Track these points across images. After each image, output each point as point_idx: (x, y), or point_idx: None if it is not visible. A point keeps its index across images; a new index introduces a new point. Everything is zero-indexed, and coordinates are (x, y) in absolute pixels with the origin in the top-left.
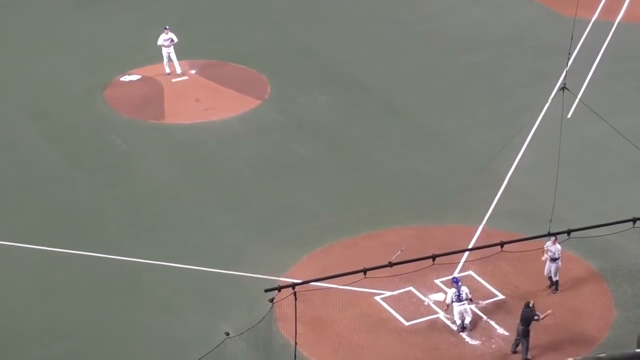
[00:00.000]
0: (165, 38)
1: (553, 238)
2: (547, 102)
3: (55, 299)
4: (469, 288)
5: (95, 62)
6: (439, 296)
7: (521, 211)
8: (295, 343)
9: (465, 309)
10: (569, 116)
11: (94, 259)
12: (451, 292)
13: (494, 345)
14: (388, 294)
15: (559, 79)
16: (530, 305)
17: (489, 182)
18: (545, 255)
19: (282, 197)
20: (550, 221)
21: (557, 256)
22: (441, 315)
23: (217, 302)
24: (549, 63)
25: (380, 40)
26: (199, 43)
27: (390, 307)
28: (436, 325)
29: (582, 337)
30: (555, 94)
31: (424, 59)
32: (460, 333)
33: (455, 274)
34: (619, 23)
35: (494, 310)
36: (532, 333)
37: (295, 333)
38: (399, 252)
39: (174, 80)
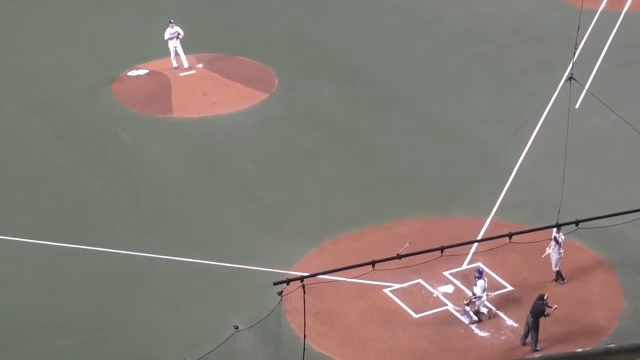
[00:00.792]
0: (172, 32)
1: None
2: (554, 92)
3: (63, 294)
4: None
5: (102, 56)
6: (448, 288)
7: (529, 202)
8: (304, 336)
9: (485, 297)
10: (576, 106)
11: (101, 254)
12: (481, 283)
13: (503, 337)
14: (397, 286)
15: (566, 69)
16: (545, 298)
17: (496, 173)
18: (549, 249)
19: (290, 190)
20: (559, 212)
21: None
22: (450, 307)
23: (226, 295)
24: (556, 53)
25: (386, 31)
26: (206, 36)
27: (399, 299)
28: (445, 317)
29: (591, 327)
30: (563, 84)
31: (431, 49)
32: (470, 325)
33: (464, 266)
34: (626, 12)
35: (503, 301)
36: (541, 324)
37: (304, 326)
38: (407, 244)
39: (181, 74)
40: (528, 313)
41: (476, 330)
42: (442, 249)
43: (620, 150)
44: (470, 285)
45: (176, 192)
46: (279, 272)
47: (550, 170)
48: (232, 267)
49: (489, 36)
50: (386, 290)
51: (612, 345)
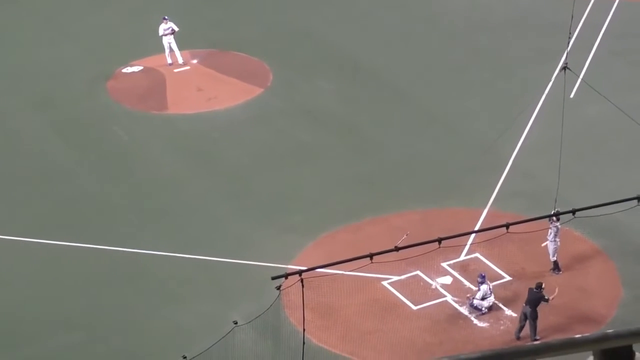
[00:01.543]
0: (165, 28)
1: (555, 218)
2: (549, 82)
3: (62, 291)
4: (476, 271)
5: (96, 53)
6: (446, 279)
7: (526, 192)
8: (304, 330)
9: (492, 301)
10: (571, 96)
11: (99, 251)
12: (484, 288)
13: (502, 327)
14: (395, 278)
15: (560, 58)
16: (543, 286)
17: (493, 164)
18: (548, 238)
19: (287, 184)
20: (555, 201)
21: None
22: (449, 298)
23: (225, 291)
24: (551, 43)
25: (382, 24)
26: (200, 32)
27: (398, 291)
28: (444, 308)
29: (590, 316)
30: (557, 74)
31: (426, 42)
32: (469, 315)
33: (462, 257)
34: (619, 1)
35: (502, 292)
36: (539, 313)
37: (304, 320)
38: (405, 236)
39: (175, 70)
40: (524, 304)
41: (475, 321)
42: (439, 240)
43: (615, 138)
44: (469, 276)
45: (173, 188)
46: (277, 267)
47: (546, 160)
48: (230, 262)
49: (485, 28)
50: (384, 283)
51: (610, 331)
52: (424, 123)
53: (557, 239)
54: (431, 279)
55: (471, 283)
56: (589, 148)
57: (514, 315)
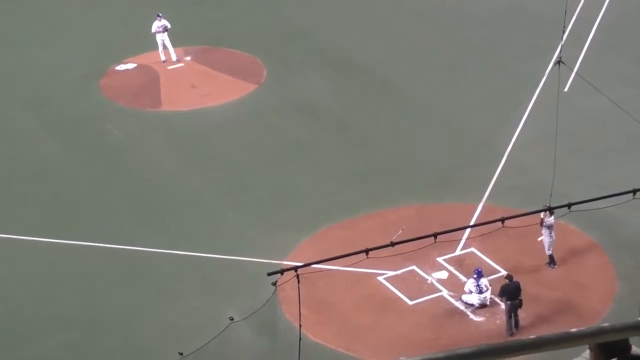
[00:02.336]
0: (159, 25)
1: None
2: (543, 76)
3: (58, 289)
4: (472, 265)
5: (90, 51)
6: (442, 274)
7: (521, 187)
8: (300, 325)
9: (485, 297)
10: (565, 90)
11: (94, 249)
12: (470, 282)
13: (498, 321)
14: (391, 273)
15: (554, 52)
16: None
17: (488, 159)
18: (543, 233)
19: (282, 180)
20: (551, 195)
21: (548, 225)
22: (445, 293)
23: (220, 287)
24: (545, 37)
25: (374, 20)
26: (193, 28)
27: (394, 286)
28: (440, 303)
29: (585, 310)
30: (551, 68)
31: (419, 37)
32: (465, 309)
33: (458, 252)
34: None
35: (498, 286)
36: (535, 307)
37: (300, 315)
38: (400, 232)
39: (169, 67)
40: (507, 301)
41: (471, 316)
42: (435, 235)
43: (610, 132)
44: (465, 271)
45: (168, 185)
46: (273, 263)
47: (541, 154)
48: (225, 258)
49: (478, 22)
50: (380, 278)
51: (606, 325)
52: (418, 118)
53: (553, 234)
54: (427, 274)
55: (467, 278)
56: (583, 142)
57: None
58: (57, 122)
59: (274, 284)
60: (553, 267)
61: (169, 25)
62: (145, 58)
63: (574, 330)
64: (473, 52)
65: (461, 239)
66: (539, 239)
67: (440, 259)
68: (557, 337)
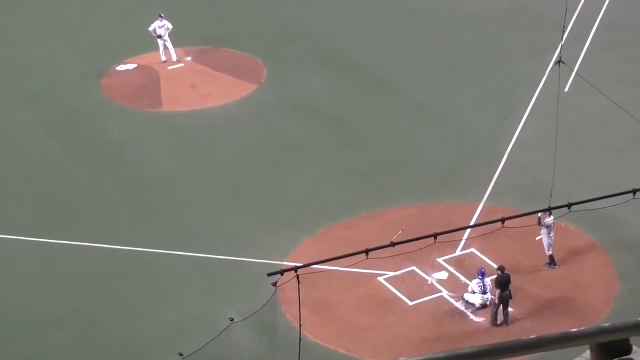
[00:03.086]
0: (160, 25)
1: (549, 213)
2: (543, 76)
3: (58, 289)
4: (472, 266)
5: (90, 51)
6: (442, 275)
7: (521, 186)
8: (300, 326)
9: (488, 298)
10: (566, 90)
11: (95, 249)
12: (475, 282)
13: (498, 322)
14: (391, 274)
15: (554, 52)
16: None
17: (488, 158)
18: (541, 233)
19: (282, 180)
20: (551, 195)
21: (547, 225)
22: (445, 293)
23: (221, 288)
24: (545, 37)
25: (373, 19)
26: (193, 29)
27: (394, 287)
28: (441, 303)
29: (586, 310)
30: (552, 68)
31: (419, 36)
32: (465, 310)
33: (458, 252)
34: None
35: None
36: (536, 307)
37: (300, 316)
38: (401, 232)
39: (170, 68)
40: (500, 293)
41: (472, 316)
42: (435, 235)
43: (610, 132)
44: (465, 272)
45: (168, 185)
46: (273, 263)
47: (542, 154)
48: (225, 259)
49: (477, 21)
50: (381, 279)
51: (607, 325)
52: (419, 117)
53: (552, 234)
54: (427, 275)
55: (467, 278)
56: (584, 142)
57: (510, 309)
58: (58, 122)
59: (274, 284)
60: (553, 268)
61: (170, 26)
62: (145, 58)
63: (574, 330)
64: (473, 51)
65: (461, 240)
66: (538, 238)
67: (440, 260)
68: (558, 337)
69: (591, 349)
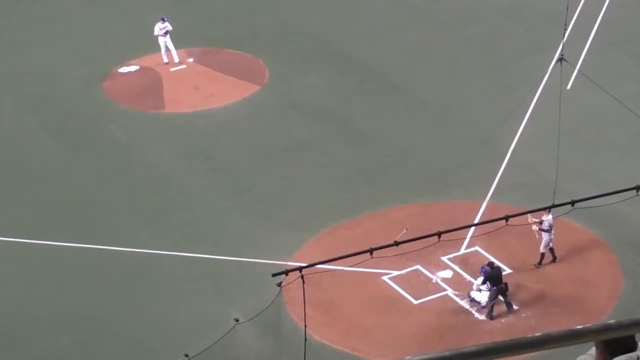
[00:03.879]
0: (161, 27)
1: (547, 210)
2: (545, 74)
3: (62, 291)
4: (476, 264)
5: (93, 53)
6: (447, 273)
7: (525, 184)
8: (305, 326)
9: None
10: (568, 87)
11: (98, 251)
12: (480, 280)
13: (503, 320)
14: (395, 273)
15: (556, 50)
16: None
17: (491, 156)
18: (537, 228)
19: (285, 180)
20: (554, 193)
21: (546, 228)
22: (449, 292)
23: (226, 288)
24: (547, 34)
25: (374, 17)
26: (195, 30)
27: (398, 286)
28: (445, 302)
29: (591, 306)
30: (554, 65)
31: (420, 33)
32: (470, 308)
33: (462, 251)
34: None
35: None
36: (540, 304)
37: (305, 316)
38: (404, 231)
39: (172, 69)
40: (495, 287)
41: (476, 315)
42: (439, 234)
43: (613, 129)
44: (469, 270)
45: (171, 186)
46: (278, 263)
47: (545, 152)
48: (230, 259)
49: (479, 18)
50: (385, 278)
51: (612, 321)
52: (420, 115)
53: (552, 232)
54: (431, 273)
55: (472, 277)
56: (587, 139)
57: (515, 307)
58: (61, 124)
59: (279, 284)
60: (539, 267)
61: (170, 28)
62: (147, 60)
63: (579, 327)
64: (475, 48)
65: (465, 238)
66: (536, 235)
67: (444, 258)
68: (563, 334)
69: (596, 345)
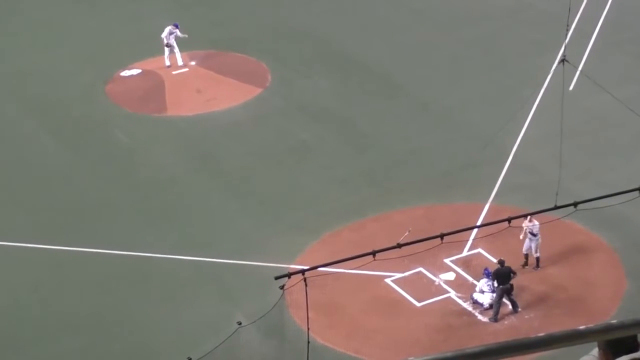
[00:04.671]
0: (172, 31)
1: (529, 217)
2: (548, 75)
3: (66, 295)
4: (479, 266)
5: (94, 57)
6: (449, 275)
7: (527, 185)
8: (308, 329)
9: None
10: (570, 88)
11: (101, 255)
12: (483, 282)
13: (506, 322)
14: (398, 275)
15: (559, 50)
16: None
17: (494, 158)
18: (522, 233)
19: (288, 183)
20: (557, 194)
21: (535, 232)
22: (452, 294)
23: (228, 291)
24: (549, 34)
25: (376, 18)
26: (197, 33)
27: (401, 288)
28: (448, 304)
29: (594, 308)
30: (556, 66)
31: (422, 34)
32: (473, 310)
33: (465, 253)
34: None
35: None
36: (543, 305)
37: (308, 319)
38: (407, 233)
39: (174, 72)
40: (498, 286)
41: (479, 316)
42: (441, 236)
43: (616, 130)
44: (472, 272)
45: (174, 189)
46: (280, 266)
47: (548, 153)
48: (232, 262)
49: (481, 19)
50: (388, 280)
51: (615, 321)
52: (422, 116)
53: (538, 236)
54: (434, 275)
55: (474, 279)
56: (589, 140)
57: (519, 309)
58: (63, 127)
59: (282, 287)
60: (536, 269)
61: (180, 35)
62: (150, 63)
63: (582, 327)
64: (477, 49)
65: (468, 240)
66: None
67: (447, 260)
68: (566, 335)
69: (599, 346)
